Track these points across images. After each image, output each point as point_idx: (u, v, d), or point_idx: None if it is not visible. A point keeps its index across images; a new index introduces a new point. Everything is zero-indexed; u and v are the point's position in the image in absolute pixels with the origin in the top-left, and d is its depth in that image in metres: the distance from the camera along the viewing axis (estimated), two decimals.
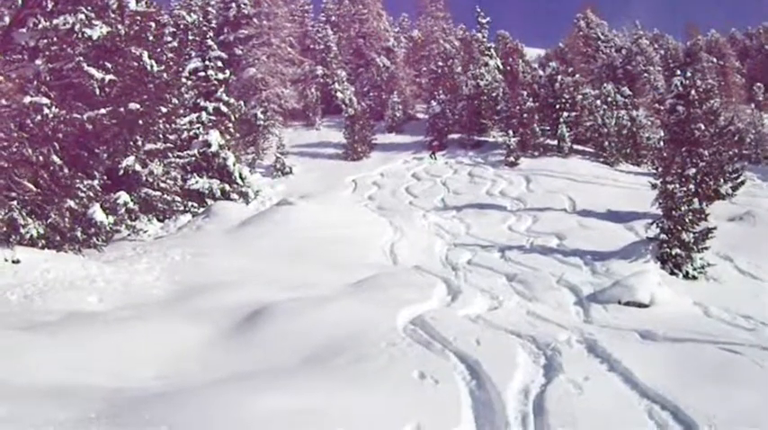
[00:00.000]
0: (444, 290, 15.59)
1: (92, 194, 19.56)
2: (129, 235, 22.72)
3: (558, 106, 48.46)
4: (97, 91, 18.63)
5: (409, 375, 8.58)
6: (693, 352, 10.14)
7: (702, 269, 19.65)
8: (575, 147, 46.81)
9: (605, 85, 53.22)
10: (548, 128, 48.02)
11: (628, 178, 39.24)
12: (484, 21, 67.97)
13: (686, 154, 27.20)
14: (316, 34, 70.16)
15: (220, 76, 34.83)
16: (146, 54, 21.17)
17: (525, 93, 49.16)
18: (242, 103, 45.13)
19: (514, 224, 28.15)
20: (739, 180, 31.62)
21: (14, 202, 17.01)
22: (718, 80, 61.36)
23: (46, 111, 17.14)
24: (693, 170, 25.15)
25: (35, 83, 17.95)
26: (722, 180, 30.49)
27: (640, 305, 14.92)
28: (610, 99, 49.65)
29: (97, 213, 19.62)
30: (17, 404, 6.69)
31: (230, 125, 34.58)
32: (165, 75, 22.69)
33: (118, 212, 21.72)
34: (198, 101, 33.17)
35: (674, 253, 19.81)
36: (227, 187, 31.97)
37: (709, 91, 31.41)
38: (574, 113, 48.17)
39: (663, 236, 20.23)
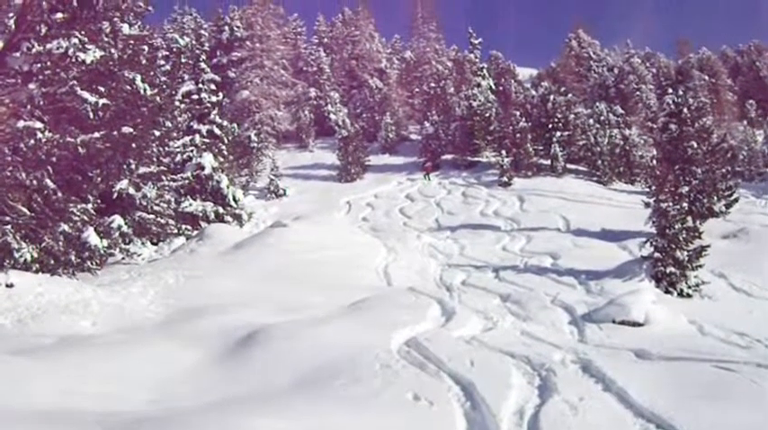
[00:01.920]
0: (438, 311, 15.54)
1: (86, 218, 19.50)
2: (123, 258, 22.67)
3: (550, 126, 48.64)
4: (91, 115, 18.63)
5: (404, 397, 8.56)
6: (689, 370, 10.14)
7: (697, 287, 19.68)
8: (568, 166, 46.93)
9: (598, 104, 53.43)
10: (541, 147, 48.15)
11: (621, 197, 39.34)
12: (476, 41, 68.50)
13: (679, 172, 27.31)
14: (308, 56, 70.47)
15: (213, 98, 34.90)
16: (139, 78, 21.22)
17: (518, 113, 49.41)
18: (235, 125, 45.15)
19: (508, 244, 28.16)
20: (733, 197, 31.68)
21: (8, 226, 16.98)
22: (711, 98, 61.57)
23: (39, 135, 17.13)
24: (687, 188, 25.26)
25: (29, 107, 17.94)
26: (715, 197, 30.55)
27: (635, 324, 14.89)
28: (602, 118, 49.84)
29: (91, 237, 19.58)
30: (10, 429, 6.65)
31: (224, 147, 34.61)
32: (158, 98, 22.71)
33: (112, 236, 21.66)
34: (191, 124, 33.22)
35: (668, 271, 19.84)
36: (221, 210, 31.97)
37: (702, 109, 31.58)
38: (567, 133, 48.34)
39: (657, 254, 20.28)
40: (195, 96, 34.08)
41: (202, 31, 52.38)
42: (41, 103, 18.22)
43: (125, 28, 20.59)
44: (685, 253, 20.04)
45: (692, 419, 7.76)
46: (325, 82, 67.06)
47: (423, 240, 29.44)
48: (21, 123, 16.99)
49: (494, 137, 50.74)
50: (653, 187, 23.20)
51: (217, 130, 34.25)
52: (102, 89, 19.43)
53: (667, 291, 19.57)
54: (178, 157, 30.67)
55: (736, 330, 14.88)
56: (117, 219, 22.21)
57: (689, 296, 19.52)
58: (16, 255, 17.00)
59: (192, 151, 31.81)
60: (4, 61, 17.71)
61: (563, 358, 11.02)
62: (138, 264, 22.65)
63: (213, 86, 35.50)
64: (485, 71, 61.23)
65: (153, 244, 25.94)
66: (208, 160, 31.79)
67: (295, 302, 16.14)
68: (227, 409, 7.80)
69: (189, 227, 28.85)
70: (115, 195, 22.47)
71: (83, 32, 18.63)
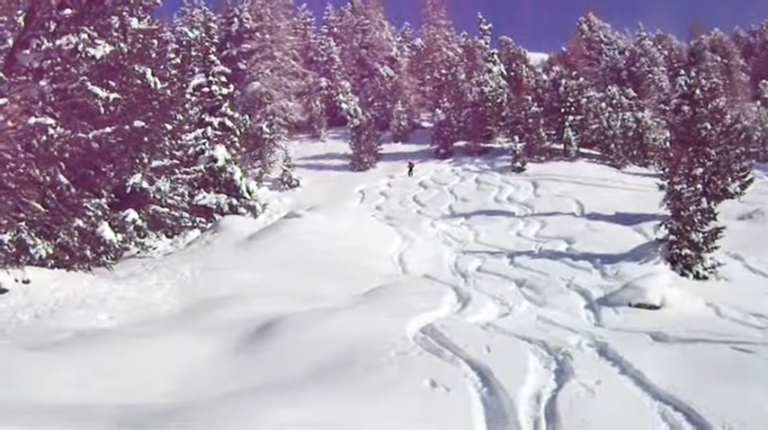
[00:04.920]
0: (454, 297, 15.55)
1: (100, 213, 19.58)
2: (138, 252, 22.74)
3: (563, 110, 48.46)
4: (102, 110, 18.66)
5: (420, 384, 8.54)
6: (706, 352, 10.10)
7: (713, 269, 19.59)
8: (581, 150, 46.81)
9: (610, 87, 53.24)
10: (553, 132, 48.05)
11: (635, 180, 39.20)
12: (486, 27, 68.29)
13: (693, 154, 27.13)
14: (318, 46, 70.35)
15: (224, 90, 34.90)
16: (149, 71, 21.21)
17: (530, 98, 49.27)
18: (247, 117, 45.15)
19: (523, 229, 28.13)
20: (747, 178, 31.54)
21: (23, 223, 17.04)
22: (723, 79, 61.14)
23: (51, 131, 17.17)
24: (701, 170, 25.05)
25: (40, 103, 17.98)
26: (730, 179, 30.42)
27: (651, 307, 14.87)
28: (615, 101, 49.63)
29: (106, 231, 19.64)
30: (28, 423, 6.67)
31: (236, 139, 34.64)
32: (168, 91, 22.72)
33: (126, 230, 21.75)
34: (203, 116, 33.23)
35: (683, 253, 19.77)
36: (235, 201, 31.99)
37: (715, 90, 31.39)
38: (579, 117, 48.15)
39: (672, 237, 20.19)
40: (206, 89, 34.08)
41: (212, 24, 52.18)
42: (52, 99, 18.28)
43: (134, 22, 20.55)
44: (700, 235, 19.96)
45: (709, 401, 7.72)
46: (336, 71, 66.95)
47: (437, 227, 29.46)
48: (32, 120, 17.03)
49: (506, 122, 50.61)
50: (667, 169, 23.04)
51: (228, 122, 34.27)
52: (112, 84, 19.46)
53: (683, 274, 19.50)
54: (191, 150, 30.68)
55: (753, 311, 14.82)
56: (131, 213, 22.29)
57: (705, 278, 19.44)
58: (32, 251, 17.06)
59: (204, 144, 31.82)
60: (15, 58, 17.76)
61: (579, 342, 11.01)
62: (154, 257, 22.73)
63: (224, 78, 35.49)
64: (495, 57, 61.01)
65: (168, 237, 26.02)
66: (220, 152, 31.81)
67: (310, 292, 16.17)
68: (246, 400, 7.81)
69: (203, 219, 28.90)
70: (129, 189, 22.56)
71: (92, 28, 18.64)
